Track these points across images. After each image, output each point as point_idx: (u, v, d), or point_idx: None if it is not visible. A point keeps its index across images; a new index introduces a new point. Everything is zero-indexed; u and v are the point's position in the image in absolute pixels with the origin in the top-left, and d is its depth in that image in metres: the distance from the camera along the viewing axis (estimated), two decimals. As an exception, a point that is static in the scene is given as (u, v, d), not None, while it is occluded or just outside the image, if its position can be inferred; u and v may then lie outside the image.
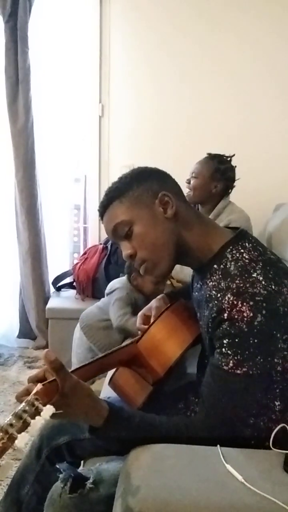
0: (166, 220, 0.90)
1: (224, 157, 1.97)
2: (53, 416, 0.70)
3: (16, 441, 0.63)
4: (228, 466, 0.69)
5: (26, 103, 2.40)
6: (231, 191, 2.01)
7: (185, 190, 1.68)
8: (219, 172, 1.94)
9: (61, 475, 0.82)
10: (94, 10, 2.44)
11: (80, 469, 0.87)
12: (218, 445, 0.75)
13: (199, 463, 0.73)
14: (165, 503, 0.64)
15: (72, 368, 0.87)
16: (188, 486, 0.66)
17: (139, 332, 1.11)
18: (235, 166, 1.98)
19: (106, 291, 1.99)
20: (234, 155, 1.96)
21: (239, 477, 0.67)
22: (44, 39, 2.49)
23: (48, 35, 2.50)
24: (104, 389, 1.22)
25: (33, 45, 2.39)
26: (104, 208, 0.93)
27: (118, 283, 1.88)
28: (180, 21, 2.43)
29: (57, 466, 0.85)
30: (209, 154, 1.99)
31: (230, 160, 1.97)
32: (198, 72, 2.47)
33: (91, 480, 0.81)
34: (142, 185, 0.91)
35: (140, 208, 0.90)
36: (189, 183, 1.97)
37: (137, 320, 1.14)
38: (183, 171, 1.86)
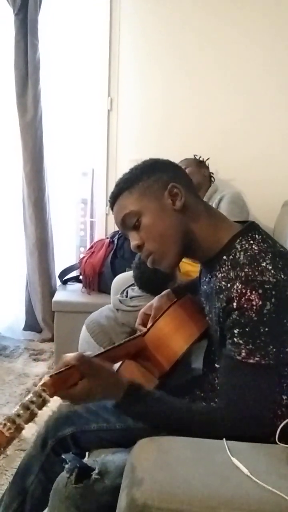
0: (174, 212, 0.90)
1: (203, 161, 2.36)
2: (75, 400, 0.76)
3: (23, 431, 0.64)
4: (234, 459, 0.69)
5: (35, 96, 2.40)
6: (214, 180, 2.35)
7: None
8: (201, 162, 2.32)
9: (66, 466, 0.83)
10: (104, 4, 2.42)
11: (85, 460, 0.88)
12: (224, 439, 0.75)
13: (205, 455, 0.73)
14: (170, 495, 0.64)
15: None
16: (194, 479, 0.66)
17: (138, 331, 1.12)
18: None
19: (114, 288, 1.98)
20: (208, 158, 2.34)
21: (245, 470, 0.67)
22: (53, 32, 2.48)
23: (58, 28, 2.50)
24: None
25: (42, 38, 2.39)
26: (114, 199, 0.94)
27: (131, 290, 1.81)
28: (189, 17, 2.41)
29: (63, 456, 0.85)
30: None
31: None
32: (206, 67, 2.46)
33: (96, 471, 0.82)
34: (152, 177, 0.91)
35: (149, 199, 0.90)
36: None
37: (137, 319, 1.14)
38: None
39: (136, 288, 1.77)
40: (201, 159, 2.32)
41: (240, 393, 0.80)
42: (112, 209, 0.96)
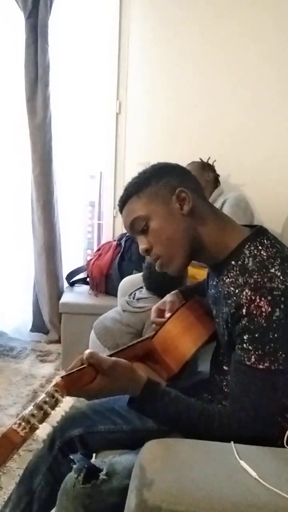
0: (182, 216, 0.90)
1: (211, 164, 2.35)
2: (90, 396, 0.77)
3: (37, 431, 0.65)
4: (242, 462, 0.69)
5: (45, 99, 2.42)
6: (219, 184, 2.33)
7: None
8: (205, 165, 2.31)
9: (74, 466, 0.83)
10: (114, 8, 2.44)
11: (93, 461, 0.88)
12: (232, 442, 0.76)
13: (213, 458, 0.73)
14: (179, 497, 0.64)
15: None
16: (202, 481, 0.67)
17: (154, 325, 1.12)
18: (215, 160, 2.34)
19: (121, 290, 1.99)
20: (215, 161, 2.34)
21: (253, 474, 0.67)
22: (63, 36, 2.50)
23: (68, 32, 2.52)
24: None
25: (52, 42, 2.41)
26: (123, 203, 0.95)
27: (139, 292, 1.82)
28: (198, 22, 2.43)
29: (71, 456, 0.86)
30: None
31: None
32: (214, 71, 2.46)
33: (104, 472, 0.82)
34: (160, 181, 0.92)
35: (157, 203, 0.91)
36: None
37: (151, 314, 1.15)
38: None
39: (143, 290, 1.79)
40: (208, 161, 2.32)
41: (250, 398, 0.81)
42: (121, 213, 0.97)
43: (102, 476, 0.82)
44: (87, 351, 0.82)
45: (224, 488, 0.66)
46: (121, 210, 0.96)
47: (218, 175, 2.35)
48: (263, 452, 0.76)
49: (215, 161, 2.32)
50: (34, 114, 2.45)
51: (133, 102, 2.54)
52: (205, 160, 2.32)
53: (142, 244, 0.93)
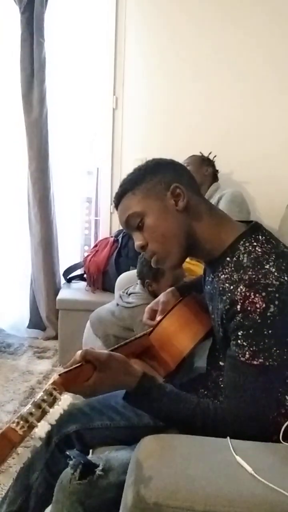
0: (177, 213, 0.90)
1: (210, 159, 2.35)
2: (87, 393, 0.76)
3: (35, 429, 0.65)
4: (238, 458, 0.69)
5: (41, 94, 2.41)
6: (217, 179, 2.33)
7: None
8: (205, 159, 2.31)
9: (71, 462, 0.83)
10: (110, 3, 2.43)
11: (89, 457, 0.88)
12: (228, 437, 0.76)
13: (209, 454, 0.73)
14: (174, 493, 0.64)
15: None
16: (198, 477, 0.67)
17: (145, 327, 1.12)
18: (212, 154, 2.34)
19: (118, 286, 1.99)
20: (215, 156, 2.33)
21: (249, 469, 0.67)
22: (59, 31, 2.49)
23: (64, 27, 2.50)
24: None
25: (48, 37, 2.40)
26: (118, 199, 0.95)
27: (133, 289, 1.82)
28: (195, 16, 2.42)
29: (67, 452, 0.86)
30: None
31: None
32: (212, 66, 2.46)
33: (100, 468, 0.82)
34: (155, 177, 0.91)
35: (152, 200, 0.90)
36: None
37: (144, 315, 1.15)
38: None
39: (138, 286, 1.79)
40: (209, 156, 2.32)
41: (244, 394, 0.81)
42: (117, 209, 0.97)
43: (98, 472, 0.82)
44: (81, 350, 0.82)
45: (220, 483, 0.66)
46: (116, 207, 0.96)
47: (217, 171, 2.35)
48: (259, 447, 0.76)
49: (215, 156, 2.32)
50: (30, 110, 2.43)
51: (130, 98, 2.53)
52: (205, 155, 2.32)
53: (138, 240, 0.93)
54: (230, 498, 0.64)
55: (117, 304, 1.79)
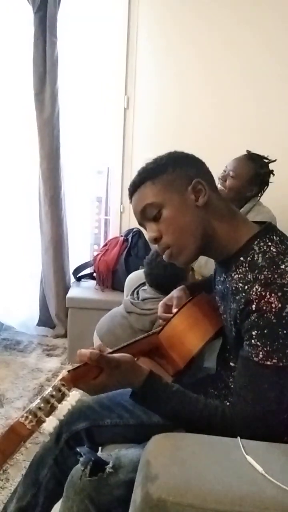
0: (196, 208, 0.89)
1: (264, 160, 1.81)
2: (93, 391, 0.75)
3: (44, 424, 0.65)
4: (249, 458, 0.69)
5: (53, 94, 2.42)
6: (262, 194, 1.89)
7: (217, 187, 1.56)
8: (259, 177, 1.79)
9: (81, 459, 0.84)
10: (123, 2, 2.43)
11: (99, 454, 0.89)
12: (239, 437, 0.76)
13: (219, 453, 0.73)
14: (185, 491, 0.64)
15: None
16: (208, 475, 0.67)
17: (161, 320, 1.12)
18: (273, 171, 1.83)
19: (127, 285, 1.98)
20: (275, 160, 1.81)
21: (259, 469, 0.67)
22: (72, 30, 2.49)
23: (76, 27, 2.51)
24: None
25: (61, 36, 2.41)
26: (135, 187, 0.93)
27: (143, 291, 1.75)
28: (207, 15, 2.41)
29: (78, 449, 0.86)
30: (249, 153, 1.83)
31: (269, 163, 1.82)
32: (224, 66, 2.45)
33: (110, 465, 0.83)
34: (177, 170, 0.90)
35: (172, 192, 0.89)
36: (224, 180, 1.80)
37: (158, 309, 1.15)
38: (207, 165, 1.84)
39: (148, 288, 1.72)
40: (267, 158, 1.84)
41: (255, 395, 0.81)
42: (131, 197, 0.95)
43: (108, 469, 0.82)
44: (93, 352, 0.80)
45: (230, 482, 0.66)
46: (131, 195, 0.94)
47: (269, 173, 1.82)
48: (270, 447, 0.76)
49: (275, 160, 1.83)
50: (42, 109, 2.45)
51: (141, 97, 2.53)
52: (254, 155, 1.84)
53: (152, 232, 0.91)
54: (241, 497, 0.64)
55: (129, 312, 1.69)
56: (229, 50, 2.43)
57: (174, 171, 0.90)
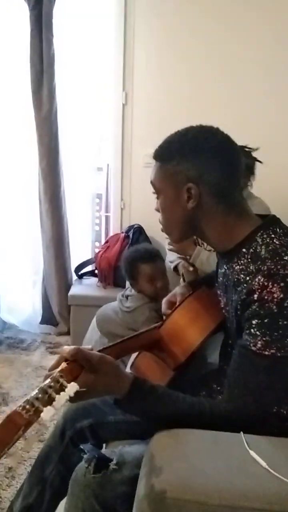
0: (186, 207, 0.89)
1: (247, 149, 1.77)
2: (76, 396, 0.71)
3: (42, 414, 0.65)
4: (252, 452, 0.69)
5: (50, 91, 2.41)
6: (251, 185, 1.86)
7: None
8: (246, 168, 1.74)
9: (85, 456, 0.84)
10: (119, -3, 2.42)
11: (103, 451, 0.89)
12: (242, 432, 0.76)
13: (223, 448, 0.73)
14: (188, 486, 0.65)
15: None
16: (211, 470, 0.67)
17: (164, 317, 1.12)
18: (257, 158, 1.80)
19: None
20: (257, 148, 1.78)
21: (263, 463, 0.67)
22: (68, 27, 2.48)
23: (73, 23, 2.49)
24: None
25: (57, 33, 2.39)
26: (155, 156, 0.96)
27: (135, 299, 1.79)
28: (207, 10, 2.38)
29: (82, 446, 0.86)
30: None
31: (250, 152, 1.78)
32: (224, 60, 2.43)
33: (114, 462, 0.83)
34: (181, 165, 0.89)
35: (170, 185, 0.91)
36: None
37: (162, 306, 1.15)
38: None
39: (129, 286, 1.82)
40: (247, 147, 1.77)
41: (250, 384, 0.80)
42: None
43: (112, 465, 0.82)
44: (72, 347, 0.78)
45: (234, 477, 0.66)
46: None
47: (253, 162, 1.78)
48: (273, 442, 0.76)
49: (257, 148, 1.78)
50: (40, 106, 2.44)
51: (139, 93, 2.52)
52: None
53: (156, 204, 0.97)
54: (245, 492, 0.64)
55: (120, 309, 1.80)
56: (228, 43, 2.41)
57: (178, 164, 0.89)
